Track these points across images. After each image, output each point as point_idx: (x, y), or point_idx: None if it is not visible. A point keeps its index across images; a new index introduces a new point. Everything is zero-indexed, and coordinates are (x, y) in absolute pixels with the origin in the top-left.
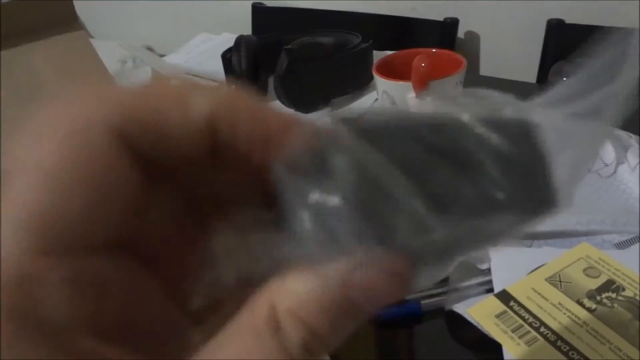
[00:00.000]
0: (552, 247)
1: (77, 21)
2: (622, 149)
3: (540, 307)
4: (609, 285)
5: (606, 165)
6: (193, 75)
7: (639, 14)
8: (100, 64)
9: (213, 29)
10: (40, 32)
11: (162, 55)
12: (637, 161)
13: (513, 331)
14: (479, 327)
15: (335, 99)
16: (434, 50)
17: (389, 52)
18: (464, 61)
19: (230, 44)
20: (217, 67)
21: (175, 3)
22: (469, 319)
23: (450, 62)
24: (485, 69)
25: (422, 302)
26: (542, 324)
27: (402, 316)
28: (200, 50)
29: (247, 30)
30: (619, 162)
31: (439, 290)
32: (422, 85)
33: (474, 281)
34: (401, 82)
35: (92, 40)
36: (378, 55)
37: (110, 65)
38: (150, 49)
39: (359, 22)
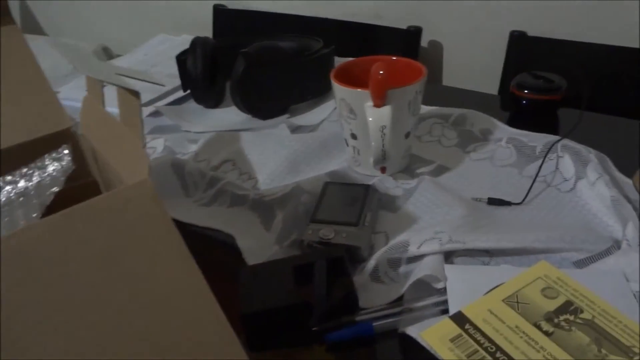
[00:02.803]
0: (509, 266)
1: (9, 15)
2: (581, 164)
3: (497, 331)
4: (567, 307)
5: (565, 180)
6: (134, 78)
7: (599, 29)
8: (32, 59)
9: (173, 30)
10: None
11: (119, 55)
12: (596, 176)
13: (468, 356)
14: (433, 352)
15: (294, 106)
16: (394, 58)
17: (350, 59)
18: (424, 70)
19: None
20: (174, 69)
21: (135, 3)
22: (423, 343)
23: (411, 70)
24: (447, 79)
25: (374, 323)
26: (498, 348)
27: (353, 338)
28: (158, 51)
29: (208, 32)
30: (578, 177)
31: (392, 310)
32: (379, 94)
33: (428, 301)
34: (359, 90)
35: (46, 39)
36: (340, 62)
37: (62, 65)
38: (107, 48)
39: (323, 27)
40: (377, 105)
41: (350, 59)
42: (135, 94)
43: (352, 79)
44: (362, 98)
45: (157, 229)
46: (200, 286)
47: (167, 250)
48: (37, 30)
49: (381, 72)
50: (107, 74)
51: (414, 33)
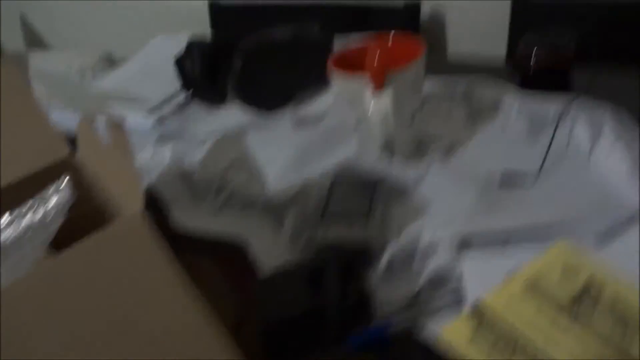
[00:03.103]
0: (528, 247)
1: None
2: (597, 127)
3: (517, 322)
4: (589, 289)
5: (581, 145)
6: (127, 98)
7: None
8: (26, 90)
9: (171, 28)
10: None
11: (122, 60)
12: (614, 139)
13: (488, 354)
14: (453, 350)
15: (299, 95)
16: (390, 35)
17: (352, 38)
18: (423, 46)
19: None
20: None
21: (132, 5)
22: (442, 341)
23: (410, 47)
24: (452, 48)
25: (391, 325)
26: (519, 342)
27: (369, 342)
28: (158, 54)
29: (206, 28)
30: (595, 141)
31: (408, 311)
32: (379, 79)
33: (445, 295)
34: (358, 76)
35: (46, 53)
36: (340, 45)
37: (69, 77)
38: (109, 56)
39: (319, 13)
40: (378, 91)
41: (351, 38)
42: (120, 122)
43: (351, 64)
44: (361, 84)
45: (152, 260)
46: (198, 315)
47: (164, 282)
48: (40, 43)
49: (378, 55)
50: (88, 102)
51: (413, 8)
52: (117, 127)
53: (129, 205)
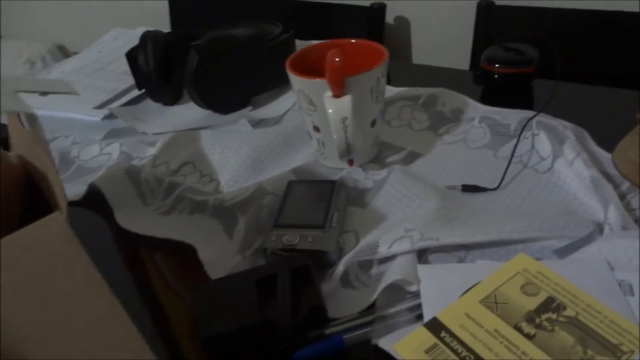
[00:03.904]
0: (486, 261)
1: None
2: (558, 142)
3: (475, 337)
4: (549, 304)
5: (542, 159)
6: (73, 91)
7: None
8: None
9: (130, 22)
10: None
11: (75, 53)
12: (574, 155)
13: None
14: None
15: (256, 97)
16: (352, 41)
17: (313, 42)
18: (386, 52)
19: None
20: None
21: None
22: (396, 356)
23: (371, 53)
24: (417, 56)
25: (345, 336)
26: (477, 357)
27: (323, 353)
28: (112, 47)
29: (165, 22)
30: (556, 155)
31: (364, 320)
32: (337, 83)
33: (402, 307)
34: (315, 80)
35: None
36: (302, 46)
37: (18, 67)
38: (62, 47)
39: (282, 10)
40: (336, 95)
41: (313, 42)
42: (33, 117)
43: (310, 66)
44: (319, 88)
45: (70, 268)
46: (122, 321)
47: (83, 289)
48: None
49: (337, 59)
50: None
51: (378, 10)
52: (33, 122)
53: (54, 205)
